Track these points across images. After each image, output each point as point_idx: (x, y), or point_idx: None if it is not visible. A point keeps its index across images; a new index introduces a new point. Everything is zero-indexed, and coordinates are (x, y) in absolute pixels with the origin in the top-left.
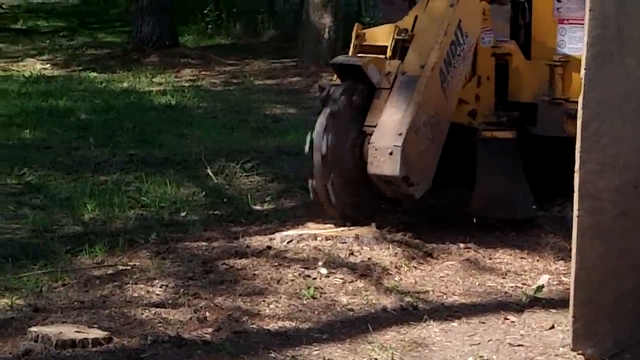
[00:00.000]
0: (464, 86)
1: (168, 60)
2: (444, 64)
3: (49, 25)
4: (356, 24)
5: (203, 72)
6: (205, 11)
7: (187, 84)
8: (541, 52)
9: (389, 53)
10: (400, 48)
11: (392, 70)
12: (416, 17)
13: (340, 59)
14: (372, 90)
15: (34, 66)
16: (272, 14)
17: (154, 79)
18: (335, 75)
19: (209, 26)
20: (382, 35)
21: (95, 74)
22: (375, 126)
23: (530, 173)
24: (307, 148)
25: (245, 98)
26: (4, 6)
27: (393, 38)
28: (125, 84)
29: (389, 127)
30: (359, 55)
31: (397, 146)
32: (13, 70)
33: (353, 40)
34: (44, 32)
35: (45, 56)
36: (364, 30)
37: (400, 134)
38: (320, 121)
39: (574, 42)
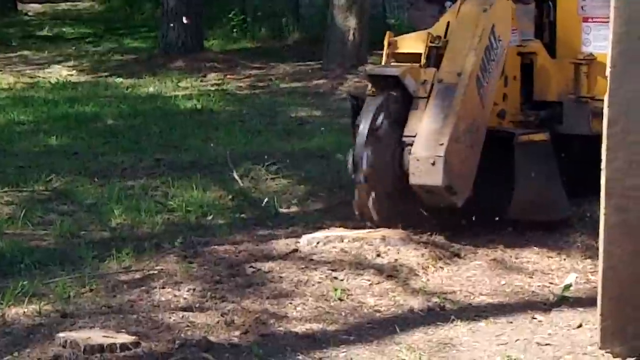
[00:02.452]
0: None
1: (194, 65)
2: (479, 70)
3: (75, 32)
4: (387, 32)
5: (229, 76)
6: (230, 15)
7: (212, 88)
8: (566, 50)
9: (423, 61)
10: (435, 55)
11: (428, 78)
12: (448, 23)
13: (376, 69)
14: (407, 100)
15: (60, 73)
16: (297, 17)
17: (179, 84)
18: (370, 85)
19: (234, 30)
20: (414, 42)
21: (121, 79)
22: (414, 136)
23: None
24: (349, 167)
25: (271, 101)
26: (29, 13)
27: (426, 45)
28: (151, 89)
29: (430, 136)
30: (393, 64)
31: (440, 156)
32: (39, 77)
33: (385, 48)
34: (69, 39)
35: (71, 62)
36: (396, 38)
37: (442, 144)
38: (360, 138)
39: (599, 40)
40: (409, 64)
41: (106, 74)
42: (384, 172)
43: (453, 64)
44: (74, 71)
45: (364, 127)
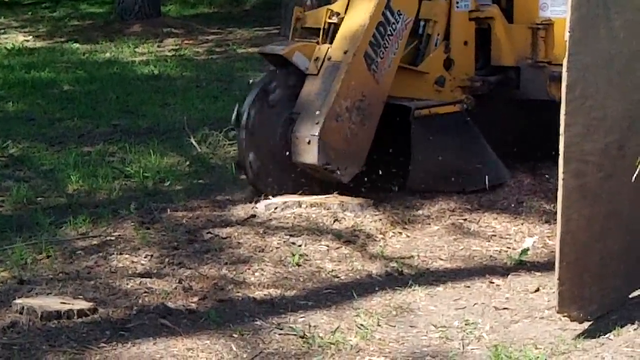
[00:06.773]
0: (424, 56)
1: (151, 30)
2: (370, 47)
3: None
4: (296, 7)
5: (186, 42)
6: None
7: (170, 54)
8: (523, 15)
9: (321, 37)
10: (332, 32)
11: (321, 55)
12: None
13: (266, 48)
14: (303, 76)
15: (16, 38)
16: None
17: (136, 49)
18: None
19: None
20: (320, 18)
21: (77, 45)
22: (300, 113)
23: (515, 136)
24: (233, 119)
25: (229, 67)
26: None
27: (325, 21)
28: (108, 55)
29: (309, 115)
30: (290, 41)
31: (314, 135)
32: None
33: (293, 23)
34: (25, 4)
35: (28, 28)
36: (306, 13)
37: (317, 123)
38: (250, 98)
39: (557, 5)
40: (300, 42)
41: (63, 39)
42: (270, 142)
43: (343, 41)
44: (30, 37)
45: (254, 91)
